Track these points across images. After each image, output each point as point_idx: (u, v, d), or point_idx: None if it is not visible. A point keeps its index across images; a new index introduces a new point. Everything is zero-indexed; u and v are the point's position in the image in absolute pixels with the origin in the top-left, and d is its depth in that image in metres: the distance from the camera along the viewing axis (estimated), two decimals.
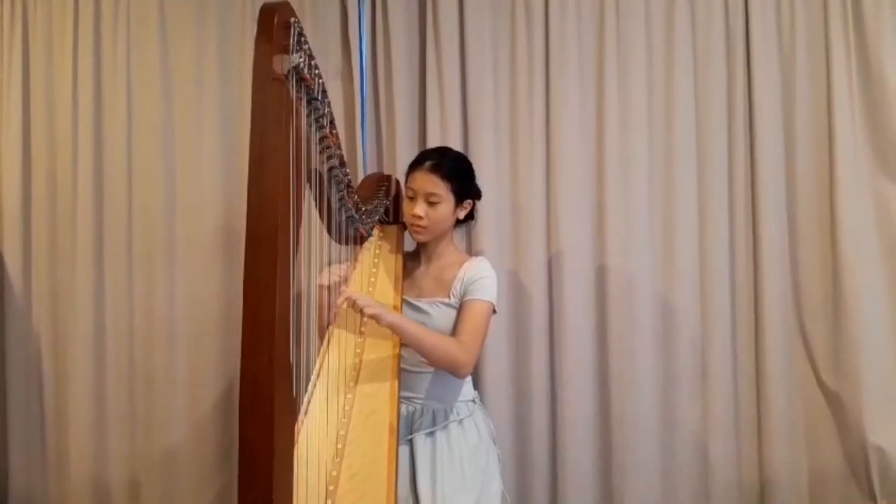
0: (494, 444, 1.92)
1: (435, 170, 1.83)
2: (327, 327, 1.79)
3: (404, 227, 2.02)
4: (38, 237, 2.54)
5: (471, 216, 1.97)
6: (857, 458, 2.35)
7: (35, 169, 2.54)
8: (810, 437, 2.42)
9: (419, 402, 1.84)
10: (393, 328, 1.67)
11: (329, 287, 1.78)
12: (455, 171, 1.86)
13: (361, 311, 1.63)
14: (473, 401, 1.92)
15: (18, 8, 2.54)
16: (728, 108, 2.44)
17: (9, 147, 2.54)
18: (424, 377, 1.83)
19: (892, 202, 2.36)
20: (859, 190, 2.37)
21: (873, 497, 2.32)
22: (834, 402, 2.39)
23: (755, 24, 2.42)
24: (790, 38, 2.42)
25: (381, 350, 1.75)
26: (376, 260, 1.96)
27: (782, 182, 2.43)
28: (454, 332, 1.79)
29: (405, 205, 1.90)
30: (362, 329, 1.81)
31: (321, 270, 1.79)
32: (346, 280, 1.82)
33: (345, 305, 1.63)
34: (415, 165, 1.88)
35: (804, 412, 2.42)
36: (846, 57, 2.38)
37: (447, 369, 1.76)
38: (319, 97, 1.35)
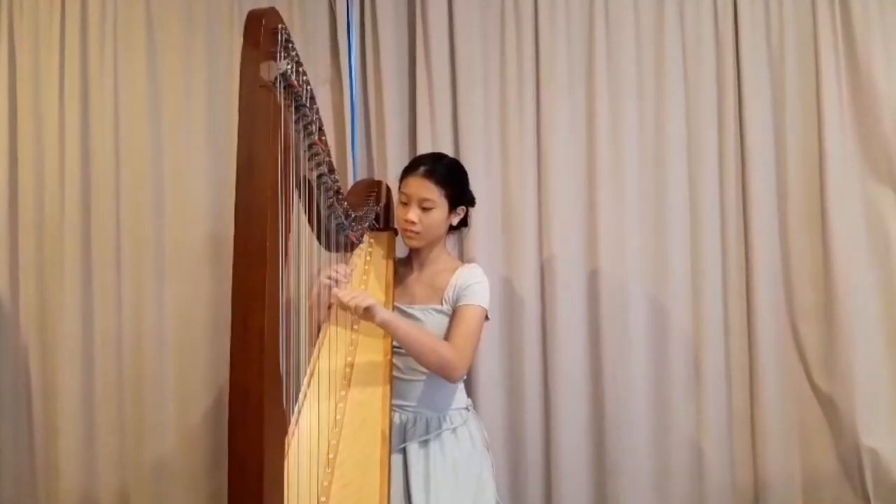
0: (488, 451, 1.91)
1: (429, 175, 1.82)
2: (317, 334, 1.78)
3: (395, 233, 2.02)
4: (25, 246, 2.49)
5: (464, 223, 1.96)
6: (851, 460, 2.35)
7: (21, 178, 2.50)
8: (804, 440, 2.42)
9: (411, 409, 1.83)
10: (385, 326, 1.65)
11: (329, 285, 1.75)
12: (449, 177, 1.85)
13: (355, 309, 1.61)
14: (467, 408, 1.91)
15: (4, 18, 2.51)
16: (718, 113, 2.45)
17: None
18: (416, 384, 1.82)
19: (882, 205, 2.37)
20: (850, 193, 2.38)
21: (867, 499, 2.32)
22: (827, 404, 2.39)
23: (744, 30, 2.43)
24: (779, 44, 2.44)
25: (372, 358, 1.73)
26: (367, 267, 1.94)
27: (773, 186, 2.44)
28: (447, 337, 1.78)
29: (398, 210, 1.89)
30: (353, 336, 1.80)
31: (313, 277, 1.78)
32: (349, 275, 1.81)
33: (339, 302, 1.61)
34: (409, 170, 1.87)
35: (797, 414, 2.42)
36: (835, 61, 2.39)
37: (439, 372, 1.74)
38: (307, 104, 1.35)
